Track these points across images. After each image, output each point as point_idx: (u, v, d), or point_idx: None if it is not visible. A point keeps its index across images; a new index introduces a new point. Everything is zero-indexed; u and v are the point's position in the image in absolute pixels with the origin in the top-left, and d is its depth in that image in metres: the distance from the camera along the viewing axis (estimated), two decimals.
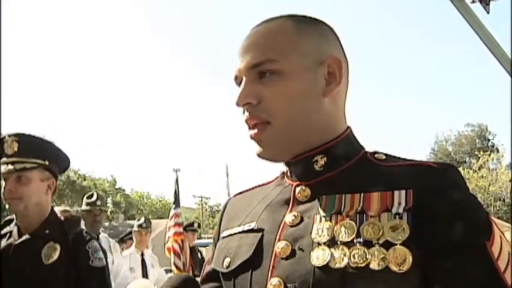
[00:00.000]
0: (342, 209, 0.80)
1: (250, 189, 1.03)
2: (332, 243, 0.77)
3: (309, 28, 0.89)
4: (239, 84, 0.88)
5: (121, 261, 4.51)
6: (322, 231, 0.79)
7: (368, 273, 0.73)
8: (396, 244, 0.74)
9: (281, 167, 0.94)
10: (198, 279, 1.02)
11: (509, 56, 3.05)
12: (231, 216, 0.99)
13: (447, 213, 0.75)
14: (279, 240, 0.83)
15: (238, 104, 0.87)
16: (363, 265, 0.74)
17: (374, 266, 0.73)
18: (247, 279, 0.85)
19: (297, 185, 0.88)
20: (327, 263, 0.76)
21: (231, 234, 0.94)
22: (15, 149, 1.87)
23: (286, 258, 0.81)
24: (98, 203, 4.27)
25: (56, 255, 1.84)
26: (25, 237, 1.89)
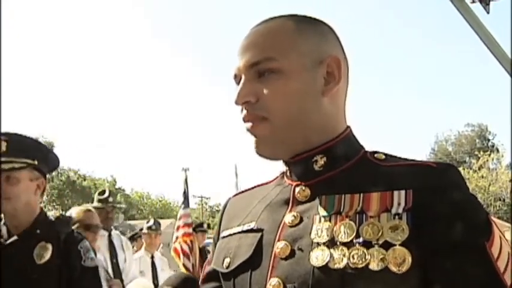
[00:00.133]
0: (342, 209, 0.80)
1: (249, 189, 1.03)
2: (331, 243, 0.77)
3: (308, 28, 0.89)
4: (238, 82, 0.88)
5: (131, 267, 4.39)
6: (322, 231, 0.79)
7: (367, 273, 0.73)
8: (396, 244, 0.74)
9: (281, 167, 0.94)
10: None
11: (509, 56, 3.05)
12: (230, 216, 0.99)
13: (447, 213, 0.75)
14: (278, 240, 0.83)
15: (237, 103, 0.87)
16: (362, 265, 0.74)
17: (373, 266, 0.73)
18: (246, 279, 0.85)
19: (297, 185, 0.88)
20: (326, 264, 0.76)
21: (230, 234, 0.94)
22: (4, 148, 1.86)
23: (286, 259, 0.81)
24: (110, 199, 4.18)
25: (48, 255, 1.83)
26: (16, 237, 1.88)
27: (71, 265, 1.86)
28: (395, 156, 0.87)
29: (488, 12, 3.08)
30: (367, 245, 0.75)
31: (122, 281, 3.72)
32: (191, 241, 5.23)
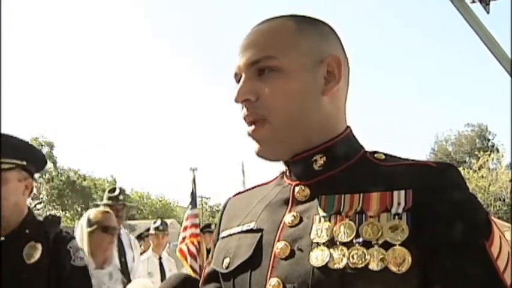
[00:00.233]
0: (341, 209, 0.80)
1: (249, 189, 1.03)
2: (331, 243, 0.77)
3: (309, 28, 0.89)
4: (238, 81, 0.88)
5: (138, 266, 4.35)
6: (322, 231, 0.79)
7: (367, 273, 0.73)
8: (395, 244, 0.74)
9: (281, 167, 0.94)
10: None
11: (509, 56, 3.05)
12: (230, 216, 0.99)
13: (447, 213, 0.75)
14: (278, 240, 0.83)
15: (236, 101, 0.87)
16: (362, 266, 0.74)
17: (373, 266, 0.73)
18: (246, 279, 0.85)
19: (296, 185, 0.88)
20: (326, 264, 0.76)
21: (230, 235, 0.94)
22: None
23: (286, 259, 0.81)
24: (121, 197, 4.10)
25: (37, 255, 1.83)
26: (3, 238, 1.88)
27: (60, 265, 1.87)
28: (395, 156, 0.87)
29: (488, 12, 3.08)
30: (367, 245, 0.75)
31: (129, 280, 3.71)
32: (198, 242, 5.13)
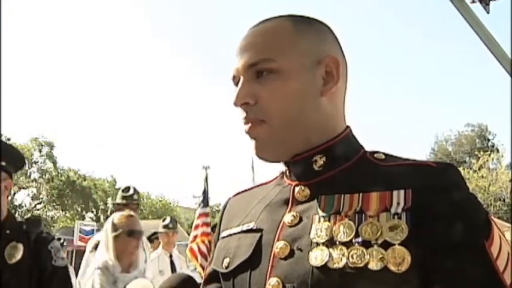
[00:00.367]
0: (341, 209, 0.80)
1: (249, 189, 1.03)
2: (331, 243, 0.77)
3: (307, 28, 0.89)
4: (237, 84, 0.88)
5: (149, 264, 4.29)
6: (321, 231, 0.79)
7: (366, 273, 0.73)
8: (395, 244, 0.74)
9: (281, 167, 0.94)
10: None
11: (509, 56, 3.05)
12: (230, 216, 0.99)
13: (446, 213, 0.75)
14: (277, 240, 0.83)
15: (235, 104, 0.87)
16: (361, 265, 0.74)
17: (372, 266, 0.73)
18: (246, 279, 0.85)
19: (296, 185, 0.88)
20: (326, 263, 0.76)
21: (230, 235, 0.94)
22: None
23: (285, 259, 0.81)
24: (135, 197, 4.05)
25: (19, 255, 1.84)
26: None
27: (41, 265, 1.87)
28: (395, 156, 0.87)
29: (488, 12, 3.08)
30: (366, 244, 0.75)
31: None
32: (209, 241, 5.07)
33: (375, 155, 0.88)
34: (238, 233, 0.92)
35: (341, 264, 0.75)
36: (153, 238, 5.81)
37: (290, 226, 0.84)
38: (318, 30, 0.90)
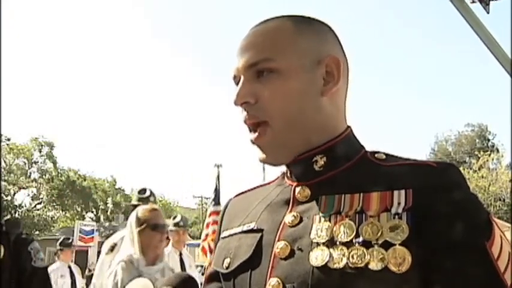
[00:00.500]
0: (341, 209, 0.80)
1: (250, 190, 1.03)
2: (331, 243, 0.77)
3: (307, 28, 0.89)
4: (237, 83, 0.88)
5: None
6: (321, 231, 0.79)
7: (367, 273, 0.73)
8: (395, 244, 0.74)
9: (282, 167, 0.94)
10: None
11: (509, 56, 3.05)
12: (231, 217, 0.99)
13: (447, 213, 0.75)
14: (278, 240, 0.83)
15: (236, 103, 0.87)
16: (361, 265, 0.74)
17: (373, 266, 0.73)
18: (246, 279, 0.85)
19: (297, 185, 0.88)
20: (326, 263, 0.76)
21: (230, 235, 0.94)
22: None
23: (285, 259, 0.81)
24: (151, 199, 4.04)
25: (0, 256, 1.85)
26: None
27: (21, 266, 1.88)
28: (396, 156, 0.87)
29: (488, 12, 3.09)
30: (367, 244, 0.75)
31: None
32: None
33: (376, 155, 0.88)
34: (239, 233, 0.92)
35: (341, 265, 0.75)
36: None
37: (291, 226, 0.84)
38: (319, 30, 0.90)
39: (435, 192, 0.76)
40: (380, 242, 0.75)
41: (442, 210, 0.75)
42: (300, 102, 0.85)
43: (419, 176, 0.79)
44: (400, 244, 0.74)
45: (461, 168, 0.84)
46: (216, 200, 5.49)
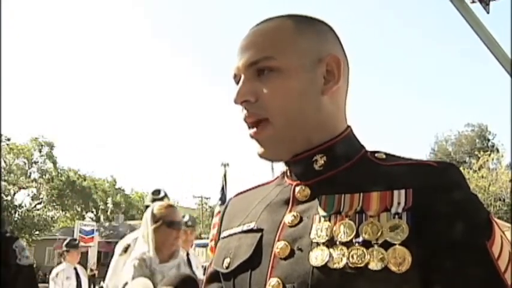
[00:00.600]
0: (341, 209, 0.80)
1: (250, 189, 1.03)
2: (331, 243, 0.77)
3: (308, 27, 0.89)
4: (238, 82, 0.88)
5: None
6: (321, 231, 0.79)
7: (367, 273, 0.73)
8: (395, 244, 0.74)
9: (281, 167, 0.94)
10: None
11: (509, 56, 3.05)
12: (231, 217, 0.99)
13: (447, 213, 0.75)
14: (278, 240, 0.83)
15: (236, 102, 0.87)
16: (361, 265, 0.73)
17: (373, 266, 0.73)
18: (246, 279, 0.84)
19: (297, 185, 0.88)
20: (326, 263, 0.76)
21: (230, 235, 0.94)
22: None
23: (285, 259, 0.81)
24: (166, 200, 4.09)
25: None
26: None
27: (6, 264, 1.88)
28: (396, 156, 0.87)
29: (488, 12, 3.08)
30: (367, 244, 0.75)
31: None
32: None
33: (376, 155, 0.88)
34: (239, 233, 0.91)
35: (341, 265, 0.75)
36: None
37: (290, 226, 0.84)
38: (319, 30, 0.90)
39: (435, 192, 0.76)
40: (380, 242, 0.74)
41: (442, 210, 0.75)
42: (300, 101, 0.85)
43: (419, 175, 0.79)
44: (400, 244, 0.73)
45: (461, 168, 0.84)
46: (223, 199, 5.49)
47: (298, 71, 0.85)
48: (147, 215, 2.71)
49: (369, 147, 0.91)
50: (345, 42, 0.93)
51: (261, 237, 0.86)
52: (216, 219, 5.25)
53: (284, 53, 0.85)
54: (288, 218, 0.85)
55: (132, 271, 2.44)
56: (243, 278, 0.85)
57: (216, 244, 1.00)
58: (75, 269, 6.60)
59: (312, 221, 0.82)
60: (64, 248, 6.70)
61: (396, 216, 0.76)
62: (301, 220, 0.83)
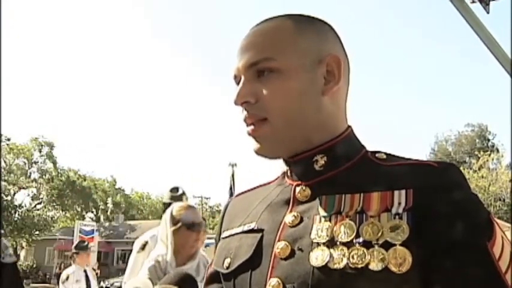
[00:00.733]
0: (342, 209, 0.80)
1: (251, 190, 1.03)
2: (331, 243, 0.77)
3: (308, 27, 0.89)
4: (238, 83, 0.88)
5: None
6: (322, 231, 0.79)
7: (367, 273, 0.73)
8: (396, 244, 0.73)
9: (282, 167, 0.94)
10: None
11: (509, 56, 3.05)
12: (231, 217, 0.99)
13: (448, 213, 0.74)
14: (278, 240, 0.83)
15: (236, 103, 0.87)
16: (362, 266, 0.73)
17: (373, 266, 0.73)
18: (246, 279, 0.84)
19: (297, 185, 0.88)
20: (326, 264, 0.76)
21: (231, 235, 0.94)
22: None
23: (286, 259, 0.81)
24: (184, 198, 3.94)
25: None
26: None
27: None
28: (397, 156, 0.87)
29: (488, 12, 3.08)
30: (367, 245, 0.75)
31: None
32: None
33: (377, 155, 0.88)
34: (239, 233, 0.91)
35: (342, 265, 0.75)
36: None
37: (291, 226, 0.84)
38: (319, 30, 0.90)
39: (436, 192, 0.76)
40: (380, 242, 0.74)
41: (443, 210, 0.75)
42: (300, 102, 0.85)
43: (419, 175, 0.79)
44: (400, 244, 0.73)
45: (461, 168, 0.83)
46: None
47: (298, 72, 0.85)
48: (166, 216, 2.64)
49: (369, 147, 0.91)
50: (345, 42, 0.93)
51: (262, 237, 0.86)
52: None
53: (284, 54, 0.85)
54: (289, 218, 0.85)
55: (146, 273, 2.41)
56: (243, 278, 0.85)
57: (216, 244, 1.00)
58: (85, 271, 6.57)
59: (313, 221, 0.82)
60: (73, 250, 6.66)
61: (397, 217, 0.76)
62: (301, 220, 0.83)
